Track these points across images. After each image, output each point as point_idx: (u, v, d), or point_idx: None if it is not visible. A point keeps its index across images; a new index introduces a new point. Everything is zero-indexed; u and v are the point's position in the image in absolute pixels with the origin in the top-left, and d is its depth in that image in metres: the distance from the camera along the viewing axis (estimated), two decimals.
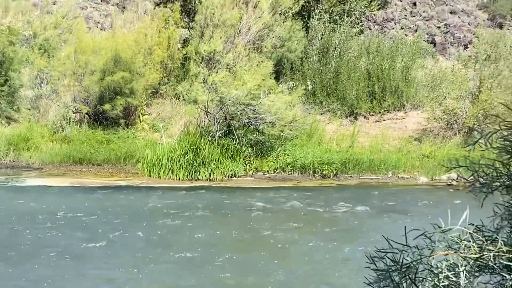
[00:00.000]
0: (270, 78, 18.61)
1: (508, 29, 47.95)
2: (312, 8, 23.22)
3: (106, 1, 27.26)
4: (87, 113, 17.68)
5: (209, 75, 17.95)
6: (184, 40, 19.67)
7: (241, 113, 17.02)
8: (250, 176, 17.18)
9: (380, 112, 22.67)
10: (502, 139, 1.90)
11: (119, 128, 17.47)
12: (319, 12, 22.65)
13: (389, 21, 45.45)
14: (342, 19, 23.09)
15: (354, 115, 22.17)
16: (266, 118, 17.29)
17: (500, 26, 48.12)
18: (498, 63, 22.80)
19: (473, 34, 42.00)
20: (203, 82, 17.99)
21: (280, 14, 20.62)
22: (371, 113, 22.65)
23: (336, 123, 21.47)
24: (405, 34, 43.22)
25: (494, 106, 20.60)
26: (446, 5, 49.24)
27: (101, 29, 24.04)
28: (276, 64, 20.69)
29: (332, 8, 23.23)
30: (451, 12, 48.28)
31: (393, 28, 44.23)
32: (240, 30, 19.15)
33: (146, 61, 17.89)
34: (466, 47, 42.79)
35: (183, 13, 20.84)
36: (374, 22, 44.00)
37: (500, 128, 1.94)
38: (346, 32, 22.61)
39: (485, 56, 23.16)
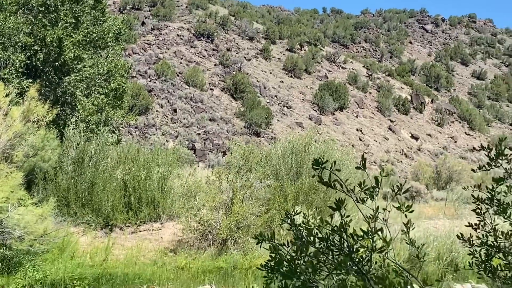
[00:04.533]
0: (20, 190, 19.40)
1: (263, 137, 54.41)
2: (67, 117, 24.83)
3: None
4: None
5: None
6: None
7: None
8: None
9: (136, 223, 24.44)
10: None
11: None
12: (75, 121, 24.32)
13: (150, 127, 48.88)
14: (99, 128, 24.94)
15: (109, 226, 23.64)
16: (14, 233, 17.96)
17: (257, 134, 54.42)
18: (249, 175, 25.64)
19: (231, 141, 46.99)
20: None
21: (33, 122, 21.85)
22: (127, 224, 24.32)
23: (91, 235, 22.65)
24: (166, 140, 46.74)
25: (246, 217, 23.50)
26: (206, 112, 54.41)
27: None
28: (29, 174, 21.61)
29: (89, 117, 25.09)
30: (210, 120, 53.50)
31: (154, 134, 47.65)
32: None
33: None
34: (224, 153, 47.46)
35: None
36: (136, 127, 46.95)
37: None
38: (103, 142, 24.34)
39: (237, 168, 26.18)
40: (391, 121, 73.85)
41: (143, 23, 74.21)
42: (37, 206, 19.73)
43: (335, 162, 3.47)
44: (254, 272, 21.52)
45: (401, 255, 21.36)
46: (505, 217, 3.89)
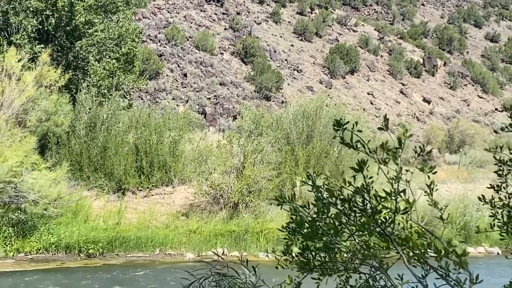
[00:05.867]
0: (34, 154, 19.55)
1: (273, 101, 54.23)
2: (79, 82, 24.85)
3: None
4: None
5: None
6: None
7: (1, 192, 17.72)
8: (11, 258, 17.78)
9: (148, 187, 24.59)
10: None
11: None
12: (87, 85, 24.34)
13: (161, 91, 48.80)
14: (110, 93, 24.96)
15: (122, 190, 23.82)
16: (28, 196, 18.16)
17: (267, 98, 54.23)
18: (260, 139, 25.62)
19: (241, 105, 46.81)
20: None
21: (45, 87, 21.92)
22: (139, 188, 24.47)
23: (104, 199, 22.88)
24: (177, 105, 46.70)
25: (257, 181, 23.58)
26: (216, 77, 54.19)
27: None
28: (42, 138, 21.77)
29: (101, 82, 25.10)
30: (220, 84, 53.28)
31: (165, 99, 47.61)
32: (2, 104, 19.99)
33: None
34: (235, 118, 47.35)
35: None
36: (146, 92, 46.89)
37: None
38: (114, 106, 24.39)
39: (248, 132, 26.13)
40: (403, 85, 73.30)
41: None
42: (50, 170, 19.94)
43: (356, 123, 3.43)
44: (266, 236, 21.72)
45: (415, 218, 21.43)
46: None
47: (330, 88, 63.23)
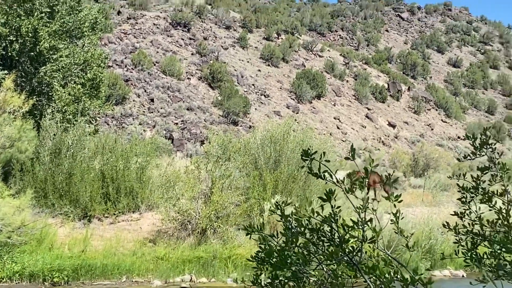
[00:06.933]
0: None
1: (241, 126, 54.36)
2: (44, 107, 24.63)
3: None
4: None
5: None
6: None
7: None
8: None
9: (115, 214, 24.36)
10: None
11: None
12: (52, 111, 24.14)
13: (127, 116, 48.61)
14: (76, 119, 24.77)
15: (88, 217, 23.53)
16: None
17: (234, 123, 54.36)
18: (228, 164, 25.57)
19: (208, 130, 46.80)
20: None
21: (9, 113, 21.68)
22: (106, 215, 24.22)
23: (69, 226, 22.56)
24: (144, 130, 46.52)
25: (225, 207, 23.50)
26: (183, 102, 54.21)
27: None
28: (5, 165, 21.46)
29: (66, 107, 24.90)
30: (187, 109, 53.32)
31: (131, 124, 47.42)
32: None
33: None
34: (202, 143, 47.33)
35: None
36: (113, 117, 46.64)
37: None
38: (80, 132, 24.18)
39: (215, 157, 26.06)
40: (368, 109, 74.26)
41: (119, 12, 73.58)
42: (14, 198, 19.64)
43: (324, 153, 3.50)
44: (234, 261, 21.63)
45: (381, 246, 21.59)
46: (491, 206, 3.97)
47: (297, 113, 63.70)
